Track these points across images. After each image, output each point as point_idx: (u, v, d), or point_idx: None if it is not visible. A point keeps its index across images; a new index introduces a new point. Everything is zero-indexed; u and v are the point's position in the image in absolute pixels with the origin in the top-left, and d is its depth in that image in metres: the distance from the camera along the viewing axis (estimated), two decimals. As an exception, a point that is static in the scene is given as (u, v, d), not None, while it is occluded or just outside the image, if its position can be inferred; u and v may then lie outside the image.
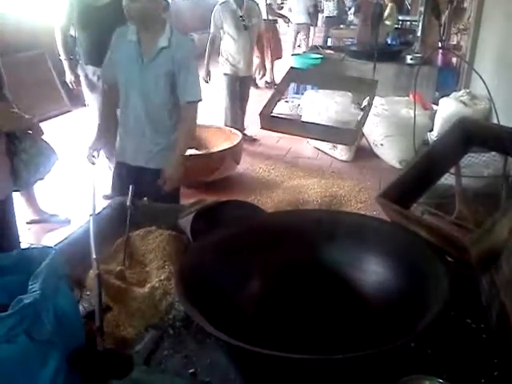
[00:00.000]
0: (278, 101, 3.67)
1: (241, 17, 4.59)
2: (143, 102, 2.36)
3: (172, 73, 2.33)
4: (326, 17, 10.60)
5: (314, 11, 9.69)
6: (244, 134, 5.12)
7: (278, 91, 3.12)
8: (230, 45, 4.74)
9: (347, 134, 2.77)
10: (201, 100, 2.45)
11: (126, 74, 2.35)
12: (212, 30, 4.80)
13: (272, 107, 3.11)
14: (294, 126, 2.85)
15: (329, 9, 10.64)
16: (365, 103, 5.12)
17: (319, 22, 10.93)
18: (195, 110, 2.46)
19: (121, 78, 2.37)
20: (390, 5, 9.78)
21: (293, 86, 7.11)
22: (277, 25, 8.66)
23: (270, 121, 2.67)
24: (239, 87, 4.93)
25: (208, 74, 4.91)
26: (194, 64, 2.39)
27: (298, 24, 9.31)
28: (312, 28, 10.22)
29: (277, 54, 8.18)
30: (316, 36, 10.97)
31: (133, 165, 2.50)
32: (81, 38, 3.52)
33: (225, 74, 4.89)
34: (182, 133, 2.41)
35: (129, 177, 2.32)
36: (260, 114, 2.69)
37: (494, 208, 1.44)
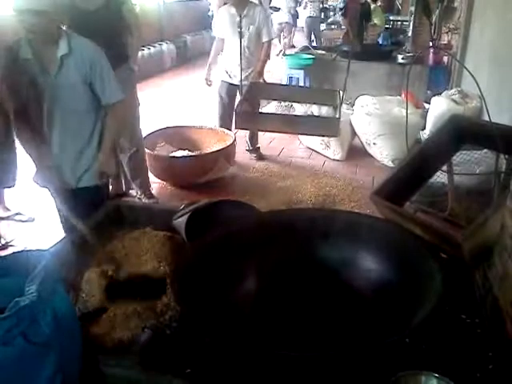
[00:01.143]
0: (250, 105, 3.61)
1: (239, 22, 4.48)
2: (68, 119, 2.18)
3: (88, 78, 2.18)
4: (308, 17, 10.56)
5: (296, 12, 9.76)
6: (255, 150, 5.06)
7: (244, 99, 3.05)
8: (224, 50, 4.67)
9: (329, 123, 2.72)
10: (124, 97, 2.34)
11: (35, 95, 2.09)
12: (215, 31, 4.70)
13: (247, 105, 3.04)
14: (274, 121, 2.76)
15: (313, 9, 10.64)
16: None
17: (300, 22, 10.94)
18: (124, 109, 2.37)
19: (30, 99, 2.09)
20: (372, 6, 9.86)
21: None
22: None
23: (245, 119, 2.59)
24: (231, 95, 4.82)
25: (208, 76, 4.76)
26: (105, 62, 2.24)
27: (280, 23, 9.34)
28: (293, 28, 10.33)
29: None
30: (300, 37, 11.03)
31: (74, 188, 2.30)
32: None
33: (221, 79, 4.79)
34: (111, 132, 2.29)
35: (73, 201, 2.10)
36: (235, 111, 2.61)
37: (486, 205, 1.46)
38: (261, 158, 5.03)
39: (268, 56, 4.64)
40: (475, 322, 1.25)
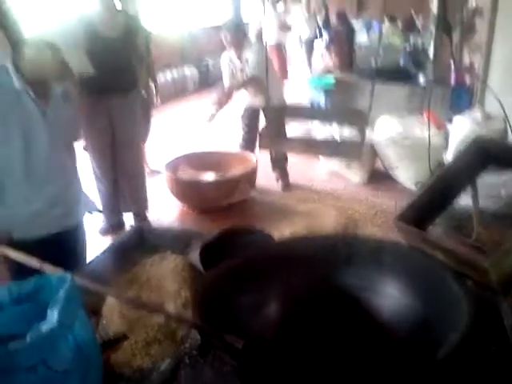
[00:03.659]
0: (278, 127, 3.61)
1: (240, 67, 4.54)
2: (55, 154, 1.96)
3: None
4: (307, 39, 10.53)
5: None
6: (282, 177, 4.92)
7: (270, 121, 3.11)
8: None
9: (351, 146, 2.74)
10: None
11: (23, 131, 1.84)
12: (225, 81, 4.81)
13: (272, 128, 3.09)
14: (297, 143, 2.81)
15: (310, 30, 10.63)
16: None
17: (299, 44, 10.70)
18: None
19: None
20: (392, 27, 9.88)
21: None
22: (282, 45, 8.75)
23: (270, 140, 2.64)
24: (253, 120, 4.88)
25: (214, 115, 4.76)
26: None
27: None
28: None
29: (283, 76, 8.29)
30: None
31: (51, 233, 1.98)
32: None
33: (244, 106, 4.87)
34: None
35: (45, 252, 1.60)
36: (259, 134, 2.67)
37: (513, 229, 1.42)
38: (287, 187, 4.87)
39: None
40: (505, 353, 1.20)
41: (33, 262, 1.44)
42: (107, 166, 3.81)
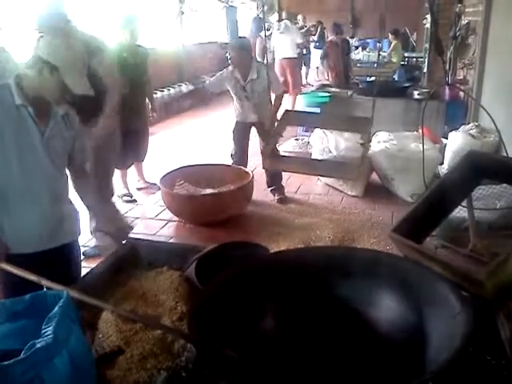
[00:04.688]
0: (277, 142, 3.64)
1: (244, 88, 4.51)
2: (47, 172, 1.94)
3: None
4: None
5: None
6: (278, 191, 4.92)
7: (276, 133, 3.11)
8: (235, 102, 4.79)
9: (350, 168, 2.77)
10: None
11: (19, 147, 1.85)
12: (211, 86, 4.89)
13: (273, 147, 3.11)
14: (297, 163, 2.85)
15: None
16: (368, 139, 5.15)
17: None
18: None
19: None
20: (393, 42, 10.03)
21: (302, 123, 7.20)
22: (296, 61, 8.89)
23: (272, 160, 2.68)
24: (245, 133, 4.87)
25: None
26: None
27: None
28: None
29: (297, 88, 8.43)
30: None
31: (44, 249, 1.97)
32: None
33: (235, 120, 4.88)
34: None
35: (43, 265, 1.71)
36: (262, 153, 2.72)
37: (508, 239, 1.43)
38: (283, 201, 4.84)
39: (279, 106, 4.60)
40: (501, 364, 1.20)
41: (31, 276, 1.43)
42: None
